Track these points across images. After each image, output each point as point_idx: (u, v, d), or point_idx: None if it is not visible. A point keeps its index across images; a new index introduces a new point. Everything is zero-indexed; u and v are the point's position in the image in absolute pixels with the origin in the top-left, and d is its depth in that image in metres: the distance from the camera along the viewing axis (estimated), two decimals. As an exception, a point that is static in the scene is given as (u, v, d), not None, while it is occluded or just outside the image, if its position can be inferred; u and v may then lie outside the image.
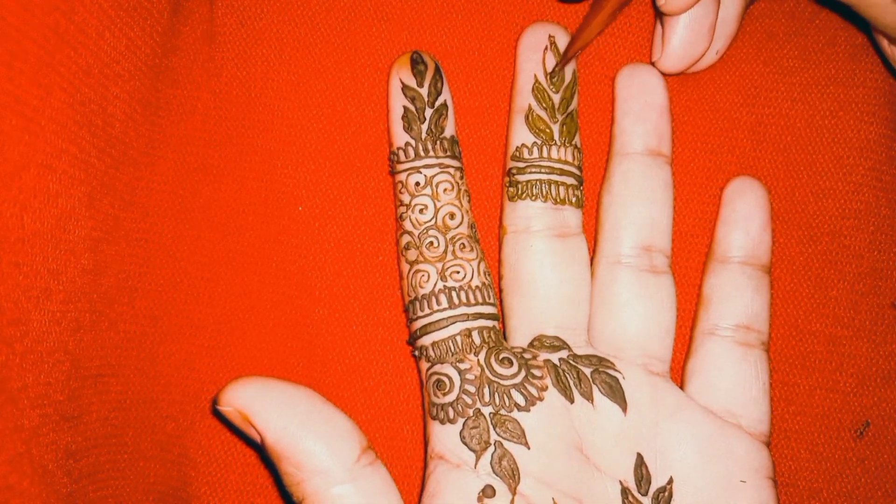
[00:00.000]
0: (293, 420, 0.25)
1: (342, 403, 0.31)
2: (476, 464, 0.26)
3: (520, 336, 0.29)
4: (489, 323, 0.28)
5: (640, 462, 0.27)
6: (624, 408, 0.28)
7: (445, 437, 0.27)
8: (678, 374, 0.30)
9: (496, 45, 0.32)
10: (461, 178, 0.29)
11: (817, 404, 0.31)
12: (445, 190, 0.28)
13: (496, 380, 0.27)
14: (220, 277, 0.31)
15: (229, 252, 0.31)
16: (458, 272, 0.28)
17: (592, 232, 0.31)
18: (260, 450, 0.26)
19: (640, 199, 0.29)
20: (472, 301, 0.28)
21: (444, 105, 0.29)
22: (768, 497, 0.28)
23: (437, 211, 0.28)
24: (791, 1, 0.33)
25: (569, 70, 0.30)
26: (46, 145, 0.23)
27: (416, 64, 0.29)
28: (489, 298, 0.28)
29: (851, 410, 0.31)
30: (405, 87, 0.29)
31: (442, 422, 0.27)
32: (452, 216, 0.28)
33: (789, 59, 0.32)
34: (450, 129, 0.29)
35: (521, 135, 0.30)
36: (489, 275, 0.29)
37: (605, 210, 0.30)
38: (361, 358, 0.31)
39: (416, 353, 0.29)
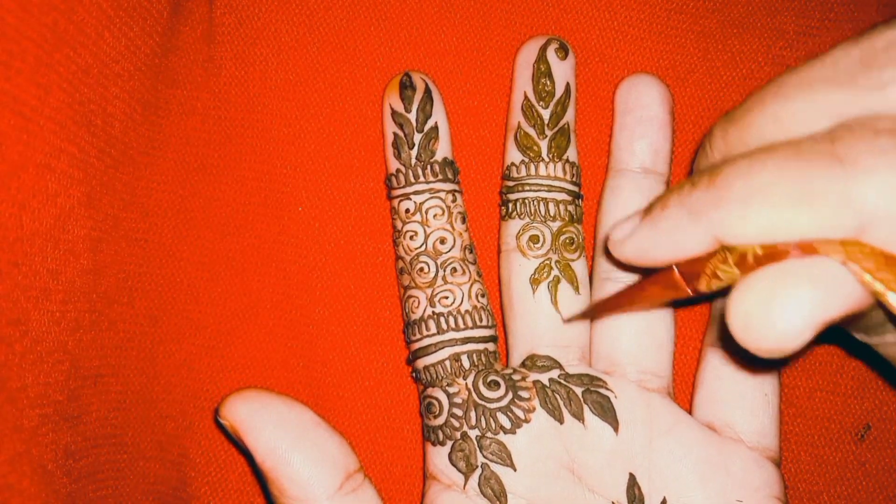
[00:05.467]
0: (281, 442, 0.25)
1: (342, 404, 0.31)
2: (465, 485, 0.27)
3: (517, 354, 0.29)
4: (480, 346, 0.28)
5: (632, 482, 0.27)
6: (615, 427, 0.28)
7: (437, 458, 0.28)
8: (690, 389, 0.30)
9: (497, 44, 0.32)
10: (454, 200, 0.29)
11: (818, 407, 0.31)
12: (435, 215, 0.29)
13: (483, 403, 0.27)
14: (220, 277, 0.31)
15: (229, 252, 0.31)
16: (446, 297, 0.28)
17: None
18: (253, 461, 0.26)
19: (625, 215, 0.29)
20: (462, 326, 0.28)
21: (435, 128, 0.29)
22: None
23: (426, 237, 0.29)
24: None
25: (560, 82, 0.29)
26: (45, 145, 0.23)
27: (405, 88, 0.29)
28: (481, 321, 0.28)
29: (852, 413, 0.31)
30: (394, 113, 0.29)
31: (433, 444, 0.28)
32: (443, 241, 0.29)
33: (797, 59, 0.32)
34: (442, 151, 0.29)
35: (511, 153, 0.30)
36: (484, 296, 0.29)
37: (597, 226, 0.30)
38: (361, 358, 0.31)
39: (413, 375, 0.29)
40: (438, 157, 0.29)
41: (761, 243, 0.20)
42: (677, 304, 0.30)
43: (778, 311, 0.18)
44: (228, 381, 0.31)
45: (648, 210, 0.23)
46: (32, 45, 0.22)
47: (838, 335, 0.26)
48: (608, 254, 0.26)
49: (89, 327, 0.26)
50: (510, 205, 0.29)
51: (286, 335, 0.31)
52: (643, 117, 0.29)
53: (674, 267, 0.23)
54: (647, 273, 0.25)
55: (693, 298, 0.24)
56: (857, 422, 0.31)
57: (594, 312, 0.29)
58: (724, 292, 0.21)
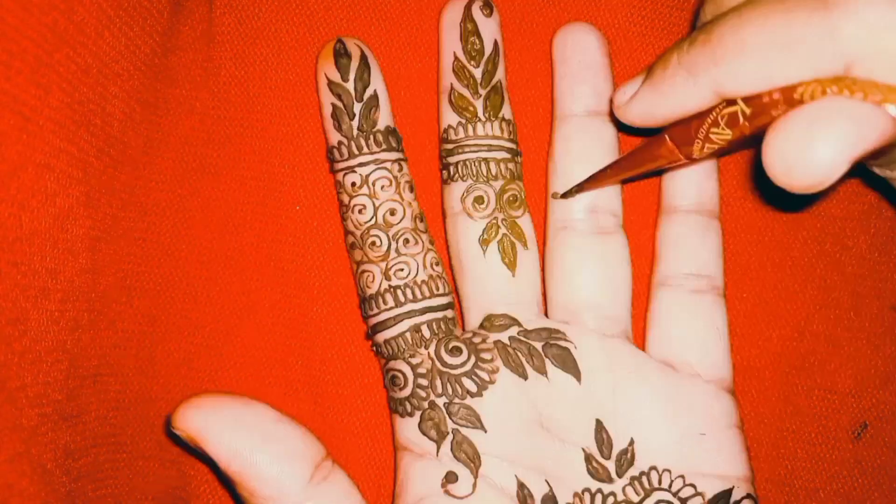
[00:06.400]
0: (243, 444, 0.24)
1: (341, 402, 0.31)
2: (438, 452, 0.27)
3: (473, 317, 0.29)
4: (439, 315, 0.28)
5: (599, 427, 0.28)
6: (577, 377, 0.28)
7: (407, 429, 0.28)
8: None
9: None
10: (400, 169, 0.29)
11: (815, 405, 0.31)
12: (383, 187, 0.28)
13: (447, 370, 0.27)
14: (219, 276, 0.31)
15: (228, 251, 0.31)
16: (402, 269, 0.28)
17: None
18: (216, 467, 0.25)
19: (579, 161, 0.29)
20: (419, 296, 0.28)
21: (374, 96, 0.29)
22: (733, 445, 0.28)
23: (376, 210, 0.28)
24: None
25: (489, 40, 0.29)
26: (45, 144, 0.23)
27: (339, 57, 0.28)
28: (438, 290, 0.28)
29: (849, 412, 0.31)
30: (331, 83, 0.28)
31: (401, 415, 0.28)
32: (393, 212, 0.28)
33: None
34: (384, 120, 0.29)
35: (447, 116, 0.29)
36: (438, 264, 0.29)
37: (549, 176, 0.30)
38: (360, 356, 0.31)
39: (374, 349, 0.29)
40: (381, 126, 0.29)
41: (757, 92, 0.21)
42: (664, 171, 0.30)
43: (816, 147, 0.19)
44: (227, 379, 0.31)
45: (650, 72, 0.24)
46: (32, 45, 0.22)
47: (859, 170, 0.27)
48: (615, 119, 0.27)
49: (88, 326, 0.26)
50: (451, 168, 0.29)
51: (285, 334, 0.31)
52: (581, 62, 0.29)
53: (665, 135, 0.24)
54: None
55: (681, 164, 0.25)
56: (854, 420, 0.31)
57: (591, 182, 0.29)
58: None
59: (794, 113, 0.20)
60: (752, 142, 0.23)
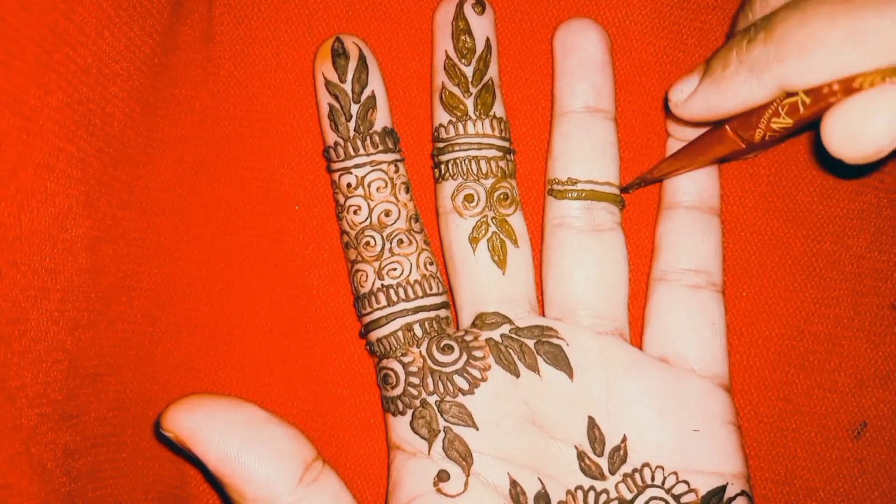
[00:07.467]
0: (232, 445, 0.24)
1: (341, 401, 0.31)
2: (430, 450, 0.27)
3: (466, 315, 0.29)
4: (432, 314, 0.28)
5: (591, 424, 0.28)
6: (570, 374, 0.28)
7: (399, 428, 0.28)
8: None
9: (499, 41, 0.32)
10: (396, 171, 0.29)
11: (815, 404, 0.31)
12: (379, 188, 0.28)
13: (438, 368, 0.27)
14: (219, 276, 0.31)
15: (227, 251, 0.31)
16: (395, 269, 0.28)
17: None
18: (204, 468, 0.25)
19: (578, 158, 0.29)
20: (412, 296, 0.28)
21: (372, 97, 0.29)
22: (728, 442, 0.28)
23: (371, 211, 0.28)
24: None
25: (480, 38, 0.29)
26: (44, 144, 0.23)
27: (337, 56, 0.28)
28: (431, 289, 0.28)
29: (849, 411, 0.31)
30: (328, 83, 0.29)
31: (394, 414, 0.28)
32: (388, 213, 0.28)
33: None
34: (381, 121, 0.29)
35: (438, 115, 0.29)
36: (432, 264, 0.29)
37: (547, 173, 0.30)
38: (360, 355, 0.31)
39: (367, 347, 0.29)
40: (377, 127, 0.29)
41: (821, 84, 0.22)
42: (723, 161, 0.30)
43: (875, 120, 0.20)
44: (227, 379, 0.31)
45: (708, 70, 0.25)
46: (33, 44, 0.22)
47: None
48: (669, 113, 0.27)
49: (88, 326, 0.26)
50: (442, 167, 0.29)
51: (285, 333, 0.31)
52: (582, 58, 0.29)
53: (726, 127, 0.26)
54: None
55: (741, 152, 0.27)
56: (854, 419, 0.31)
57: (653, 175, 0.29)
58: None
59: (856, 96, 0.21)
60: (805, 128, 0.24)
